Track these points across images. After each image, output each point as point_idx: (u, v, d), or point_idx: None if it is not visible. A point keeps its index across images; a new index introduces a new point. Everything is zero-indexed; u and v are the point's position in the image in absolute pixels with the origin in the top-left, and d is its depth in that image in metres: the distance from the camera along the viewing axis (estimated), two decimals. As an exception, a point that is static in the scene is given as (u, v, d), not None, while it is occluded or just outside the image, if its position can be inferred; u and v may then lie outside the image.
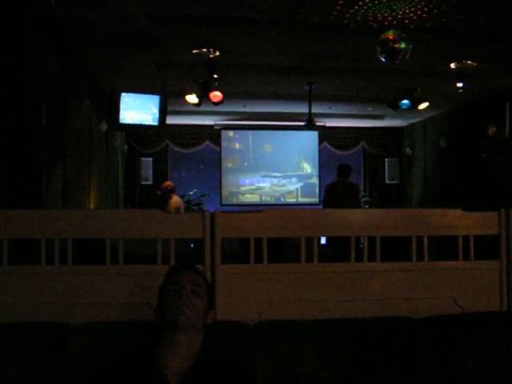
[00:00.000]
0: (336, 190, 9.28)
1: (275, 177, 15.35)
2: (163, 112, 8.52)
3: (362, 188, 15.23)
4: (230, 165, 15.18)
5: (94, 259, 3.01)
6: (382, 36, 6.11)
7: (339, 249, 3.55)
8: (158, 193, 10.28)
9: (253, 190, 15.26)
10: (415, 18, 6.56)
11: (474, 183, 4.46)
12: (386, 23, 6.67)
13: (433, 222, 3.18)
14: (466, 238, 3.18)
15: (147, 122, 8.46)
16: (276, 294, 3.00)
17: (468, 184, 4.50)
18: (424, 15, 6.50)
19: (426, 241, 3.14)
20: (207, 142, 15.05)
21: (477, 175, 4.65)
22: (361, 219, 3.18)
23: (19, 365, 2.47)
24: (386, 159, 15.38)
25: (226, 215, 3.03)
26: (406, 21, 6.64)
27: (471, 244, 3.17)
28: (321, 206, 9.71)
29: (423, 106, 10.48)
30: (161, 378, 2.22)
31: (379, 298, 3.08)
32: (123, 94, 8.05)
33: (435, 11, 6.37)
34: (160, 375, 2.23)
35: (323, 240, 5.67)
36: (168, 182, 10.83)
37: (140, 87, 8.54)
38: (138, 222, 3.02)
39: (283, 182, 15.39)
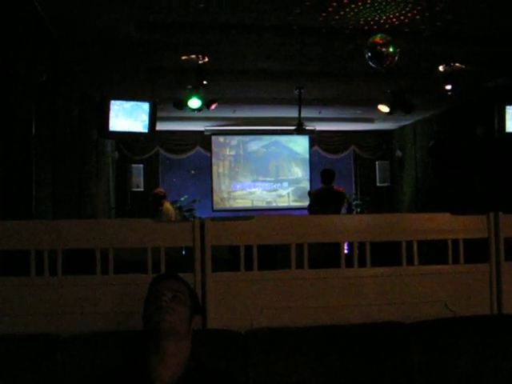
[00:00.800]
0: (321, 196, 9.18)
1: (266, 181, 15.37)
2: (153, 119, 8.49)
3: (353, 192, 15.29)
4: (220, 170, 15.18)
5: (85, 268, 3.01)
6: (370, 40, 6.12)
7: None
8: (150, 200, 10.27)
9: (244, 194, 15.26)
10: (403, 21, 6.58)
11: (461, 187, 4.46)
12: (375, 27, 6.68)
13: (422, 226, 3.19)
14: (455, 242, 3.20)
15: (137, 129, 8.43)
16: (267, 301, 3.00)
17: (455, 189, 4.49)
18: (411, 19, 6.51)
19: (415, 245, 3.15)
20: (198, 148, 15.05)
21: (464, 179, 4.67)
22: (350, 225, 3.19)
23: (9, 377, 2.46)
24: (377, 162, 15.40)
25: (215, 223, 3.03)
26: (394, 24, 6.65)
27: (460, 248, 3.18)
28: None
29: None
30: (152, 389, 2.22)
31: (370, 304, 3.09)
32: (112, 102, 8.03)
33: (423, 15, 6.39)
34: (151, 385, 2.23)
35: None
36: (158, 189, 10.82)
37: (129, 94, 8.53)
38: (128, 232, 3.02)
39: (274, 186, 15.40)
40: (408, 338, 2.76)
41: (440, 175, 4.78)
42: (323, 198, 9.00)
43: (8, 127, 4.85)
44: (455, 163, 4.70)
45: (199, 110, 9.14)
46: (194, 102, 8.96)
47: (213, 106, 9.33)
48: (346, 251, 3.21)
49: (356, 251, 3.13)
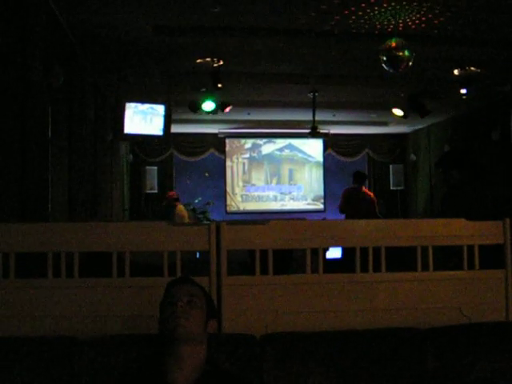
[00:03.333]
0: (355, 196, 9.22)
1: (280, 184, 15.37)
2: (168, 121, 8.53)
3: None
4: (234, 173, 15.21)
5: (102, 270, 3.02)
6: (385, 44, 6.13)
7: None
8: (164, 203, 10.33)
9: (258, 197, 15.27)
10: (418, 25, 6.57)
11: (478, 193, 4.46)
12: (390, 31, 6.67)
13: (437, 231, 3.18)
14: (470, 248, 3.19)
15: (152, 132, 8.47)
16: (282, 305, 3.00)
17: (472, 194, 4.49)
18: (426, 23, 6.51)
19: (430, 251, 3.14)
20: (212, 150, 15.09)
21: (481, 183, 4.67)
22: (366, 230, 3.18)
23: (26, 380, 2.48)
24: (391, 165, 15.38)
25: (231, 227, 3.04)
26: (409, 28, 6.65)
27: (476, 253, 3.17)
28: (338, 212, 9.56)
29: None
30: (167, 392, 2.24)
31: (385, 309, 3.08)
32: (128, 104, 8.07)
33: (438, 19, 6.38)
34: (167, 389, 2.24)
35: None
36: (171, 192, 10.88)
37: (145, 97, 8.58)
38: (144, 235, 3.03)
39: (288, 189, 15.40)
40: (423, 343, 2.75)
41: (452, 184, 4.76)
42: (358, 197, 9.04)
43: (25, 130, 4.89)
44: (468, 171, 4.67)
45: (213, 112, 9.21)
46: (208, 105, 9.03)
47: (227, 109, 9.37)
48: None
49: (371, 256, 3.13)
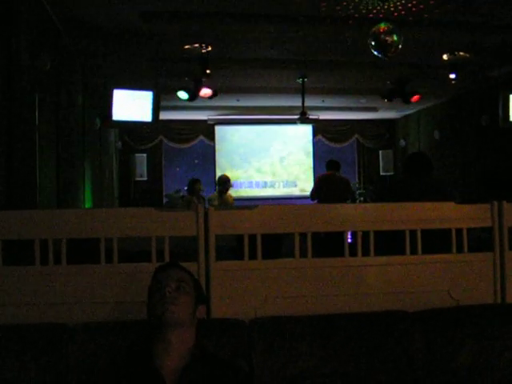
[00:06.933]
0: (327, 182, 9.16)
1: (270, 170, 15.36)
2: (156, 108, 8.47)
3: (356, 181, 15.29)
4: (224, 159, 15.17)
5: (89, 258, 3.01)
6: (374, 29, 6.10)
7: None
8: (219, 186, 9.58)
9: (248, 183, 15.26)
10: (407, 10, 6.55)
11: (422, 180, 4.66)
12: (379, 15, 6.65)
13: (426, 215, 3.19)
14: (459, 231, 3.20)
15: (140, 119, 8.41)
16: (271, 289, 3.00)
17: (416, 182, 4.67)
18: (415, 7, 6.49)
19: (419, 234, 3.15)
20: (201, 137, 15.05)
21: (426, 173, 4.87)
22: (354, 214, 3.19)
23: (16, 367, 2.47)
24: (380, 151, 15.40)
25: (219, 212, 3.03)
26: (398, 13, 6.63)
27: (465, 236, 3.18)
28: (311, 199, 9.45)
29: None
30: (157, 377, 2.23)
31: (374, 292, 3.08)
32: (116, 91, 8.00)
33: (427, 3, 6.36)
34: (156, 374, 2.24)
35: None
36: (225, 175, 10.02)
37: (133, 83, 8.52)
38: (131, 221, 3.01)
39: (278, 175, 15.40)
40: (411, 326, 2.77)
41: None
42: (330, 183, 9.00)
43: (12, 117, 4.85)
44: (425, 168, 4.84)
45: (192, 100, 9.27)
46: (183, 93, 9.10)
47: (206, 93, 9.23)
48: (349, 240, 3.21)
49: (360, 240, 3.13)
